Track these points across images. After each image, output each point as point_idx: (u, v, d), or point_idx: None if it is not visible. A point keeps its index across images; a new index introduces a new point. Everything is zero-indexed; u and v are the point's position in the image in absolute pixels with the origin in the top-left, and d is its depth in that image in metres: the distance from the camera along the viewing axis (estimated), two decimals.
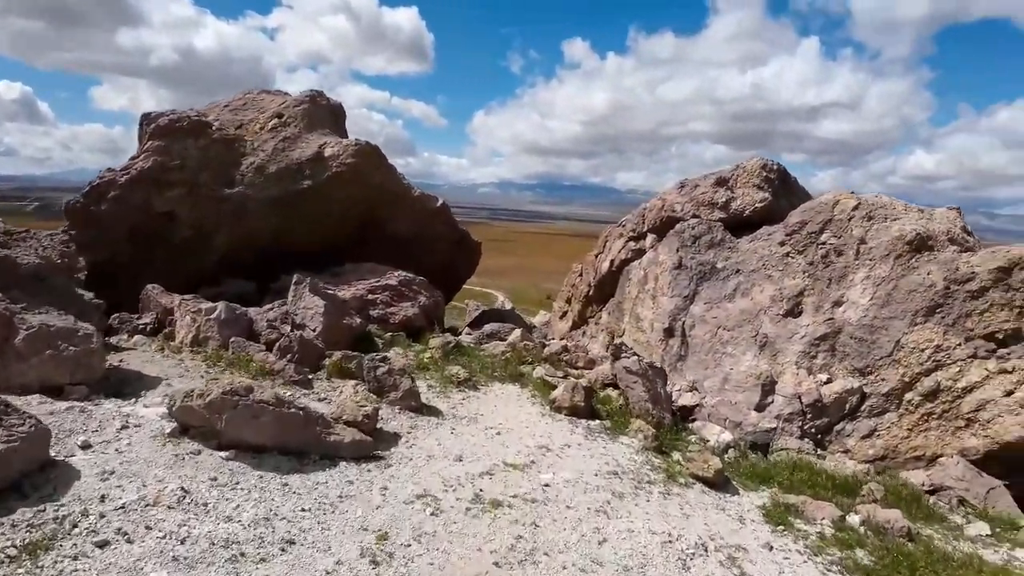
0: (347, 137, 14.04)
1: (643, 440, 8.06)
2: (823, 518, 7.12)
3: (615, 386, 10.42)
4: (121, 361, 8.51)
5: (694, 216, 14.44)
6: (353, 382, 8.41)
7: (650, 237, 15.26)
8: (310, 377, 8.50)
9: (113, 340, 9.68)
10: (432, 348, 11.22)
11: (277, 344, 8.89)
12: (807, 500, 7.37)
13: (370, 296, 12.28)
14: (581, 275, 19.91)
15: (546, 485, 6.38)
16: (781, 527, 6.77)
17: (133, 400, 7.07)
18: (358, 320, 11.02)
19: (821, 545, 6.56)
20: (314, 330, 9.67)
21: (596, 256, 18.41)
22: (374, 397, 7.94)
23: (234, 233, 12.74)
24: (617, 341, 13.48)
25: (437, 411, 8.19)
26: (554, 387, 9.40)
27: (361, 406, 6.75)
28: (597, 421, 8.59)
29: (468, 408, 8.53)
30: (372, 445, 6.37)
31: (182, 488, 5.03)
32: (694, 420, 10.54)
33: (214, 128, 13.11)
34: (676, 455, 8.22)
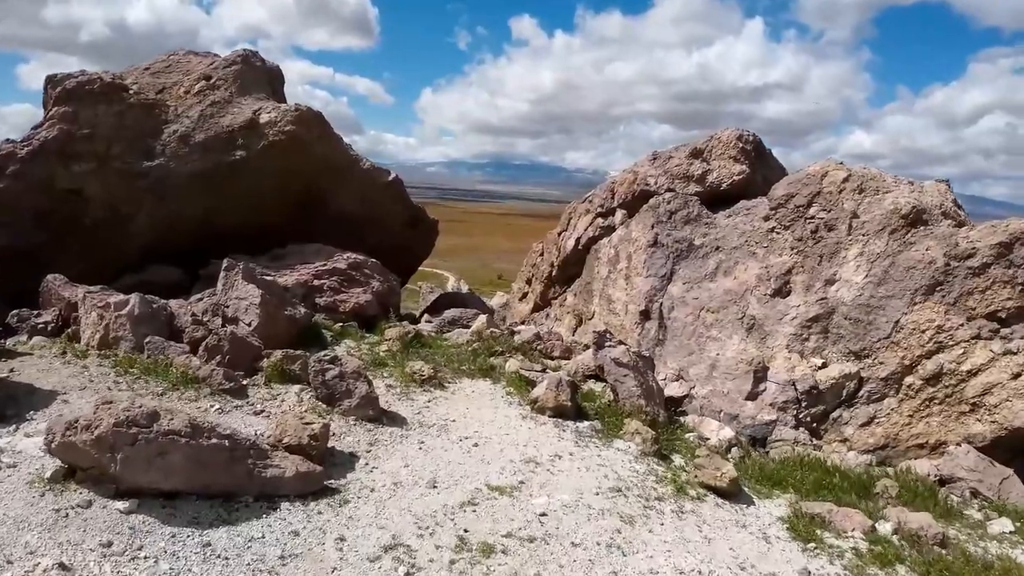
0: (286, 103, 12.32)
1: (641, 444, 6.88)
2: (853, 529, 6.11)
3: (597, 377, 9.22)
4: (11, 371, 6.83)
5: (669, 190, 13.28)
6: (298, 387, 6.95)
7: (620, 213, 14.06)
8: (244, 383, 7.00)
9: (9, 342, 7.94)
10: (389, 340, 9.79)
11: (204, 343, 7.33)
12: (832, 508, 6.34)
13: (316, 282, 10.73)
14: (543, 254, 18.65)
15: (542, 514, 5.11)
16: (812, 544, 5.71)
17: (14, 426, 5.47)
18: (302, 310, 9.49)
19: (860, 564, 5.54)
20: (249, 324, 8.12)
21: (559, 234, 17.16)
22: (323, 407, 6.50)
23: (156, 214, 10.94)
24: (598, 328, 12.30)
25: (400, 419, 6.81)
26: (531, 382, 8.13)
27: (307, 424, 5.32)
28: (586, 422, 7.36)
29: (436, 412, 7.18)
30: (322, 475, 4.97)
31: (61, 565, 3.55)
32: (683, 413, 9.45)
33: (131, 92, 11.21)
34: (677, 459, 7.08)
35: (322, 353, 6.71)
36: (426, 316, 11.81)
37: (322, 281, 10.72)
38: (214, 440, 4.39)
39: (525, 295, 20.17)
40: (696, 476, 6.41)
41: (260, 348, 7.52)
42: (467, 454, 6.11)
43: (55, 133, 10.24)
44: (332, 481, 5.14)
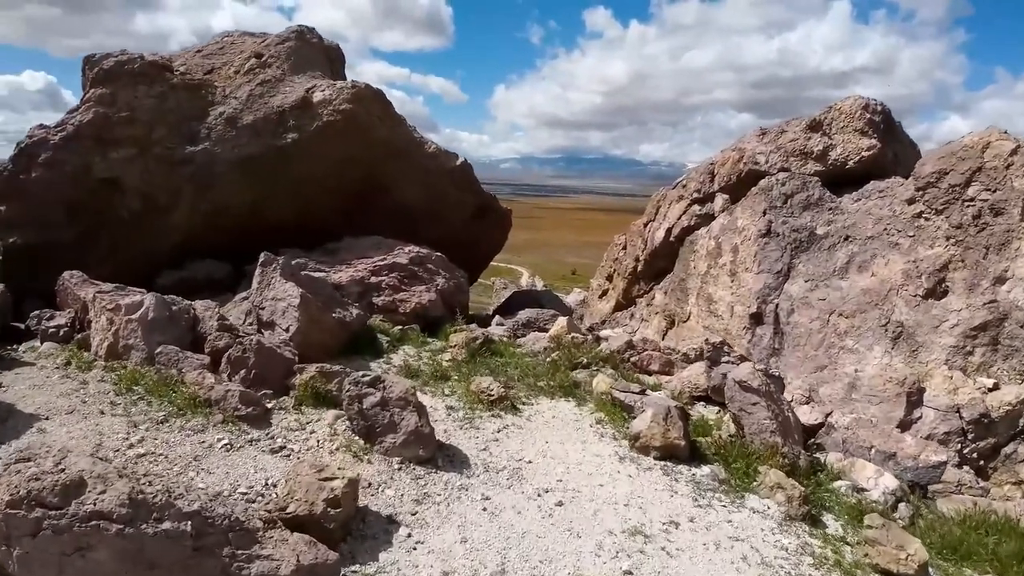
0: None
1: (785, 504, 4.93)
2: None
3: (708, 399, 7.29)
4: (0, 386, 5.58)
5: (783, 169, 11.08)
6: (334, 413, 5.37)
7: (721, 198, 11.95)
8: (268, 407, 5.48)
9: (22, 348, 6.78)
10: (454, 346, 8.16)
11: (226, 354, 5.87)
12: None
13: (373, 279, 9.23)
14: (625, 248, 16.68)
15: None
16: None
17: None
18: (355, 312, 7.97)
19: None
20: (286, 330, 6.64)
21: (645, 225, 15.15)
22: (360, 444, 4.89)
23: (199, 205, 9.71)
24: (694, 331, 10.34)
25: (460, 459, 5.12)
26: (627, 407, 6.29)
27: (326, 480, 3.70)
28: (704, 468, 5.46)
29: (508, 448, 5.46)
30: (336, 566, 3.31)
31: None
32: (820, 447, 7.39)
33: (174, 72, 10.03)
34: (832, 523, 5.09)
35: (359, 374, 5.09)
36: (497, 317, 10.15)
37: (380, 278, 9.22)
38: (168, 524, 2.82)
39: (605, 292, 18.22)
40: (869, 557, 4.43)
41: (293, 361, 6.00)
42: (548, 519, 4.34)
43: (91, 117, 9.14)
44: (354, 570, 3.49)
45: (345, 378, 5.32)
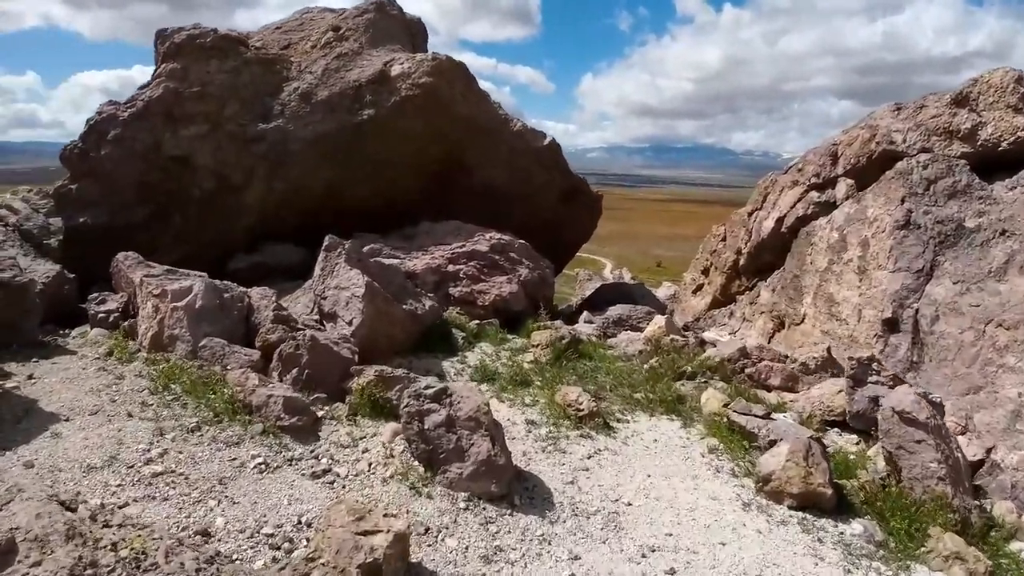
0: None
1: None
2: None
3: (842, 425, 5.93)
4: (30, 377, 4.99)
5: (923, 150, 9.37)
6: (392, 428, 4.43)
7: (845, 184, 10.32)
8: (320, 414, 4.61)
9: (74, 332, 6.27)
10: (537, 346, 7.14)
11: (277, 350, 5.06)
12: None
13: (450, 267, 8.31)
14: (725, 239, 15.10)
15: None
16: None
17: None
18: (428, 304, 7.07)
19: None
20: (349, 323, 5.79)
21: (750, 214, 13.57)
22: (420, 472, 3.92)
23: (272, 185, 9.08)
24: (808, 336, 8.91)
25: (543, 495, 4.06)
26: (748, 434, 5.05)
27: (365, 536, 2.74)
28: (855, 524, 4.17)
29: (601, 482, 4.36)
30: None
31: None
32: (982, 492, 5.87)
33: (249, 47, 9.43)
34: None
35: (422, 383, 4.10)
36: (585, 314, 9.01)
37: (458, 267, 8.30)
38: None
39: (700, 288, 16.68)
40: None
41: (351, 360, 5.12)
42: None
43: (161, 92, 8.64)
44: None
45: (407, 386, 4.37)
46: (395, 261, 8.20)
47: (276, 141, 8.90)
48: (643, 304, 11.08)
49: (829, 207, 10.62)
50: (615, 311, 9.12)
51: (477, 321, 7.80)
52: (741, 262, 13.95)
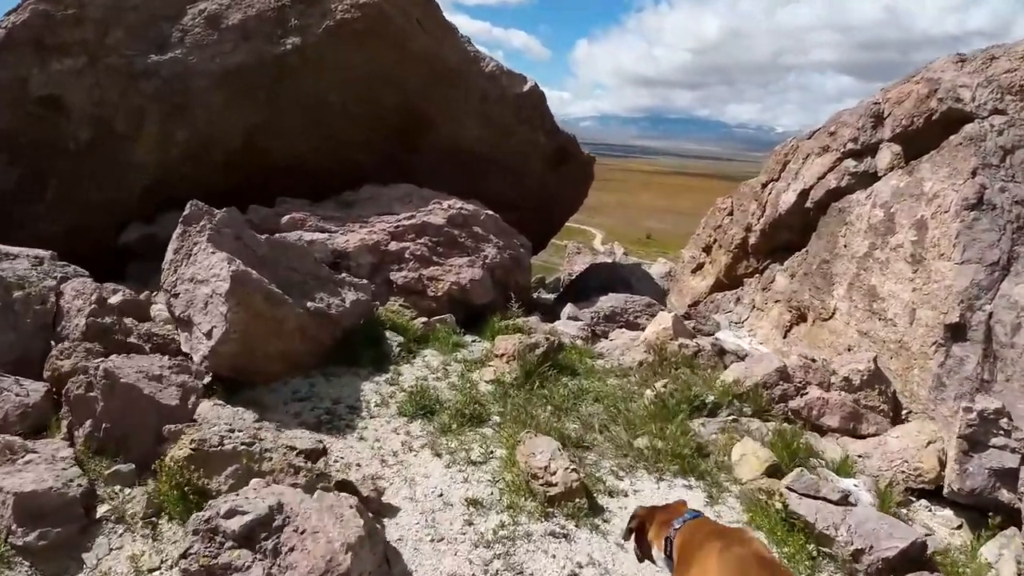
0: None
1: None
2: None
3: (929, 494, 3.99)
4: None
5: (996, 112, 7.36)
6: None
7: (889, 151, 8.31)
8: (101, 512, 2.56)
9: None
10: (502, 357, 5.13)
11: (65, 390, 3.01)
12: None
13: (393, 245, 6.23)
14: (732, 214, 13.04)
15: None
16: None
17: None
18: (349, 299, 5.01)
19: None
20: (208, 333, 3.72)
21: (764, 186, 11.52)
22: None
23: (172, 134, 6.90)
24: (840, 334, 7.05)
25: None
26: (816, 531, 3.11)
27: None
28: None
29: None
30: None
31: None
32: None
33: None
34: None
35: (225, 507, 2.06)
36: (569, 307, 6.95)
37: (403, 244, 6.22)
38: None
39: (700, 267, 14.66)
40: None
41: (183, 408, 3.08)
42: None
43: (28, 16, 6.41)
44: None
45: (225, 488, 2.31)
46: (319, 237, 6.13)
47: (172, 77, 6.69)
48: (639, 289, 9.08)
49: (869, 179, 8.58)
50: (607, 302, 7.12)
51: (424, 320, 5.75)
52: (751, 240, 11.91)
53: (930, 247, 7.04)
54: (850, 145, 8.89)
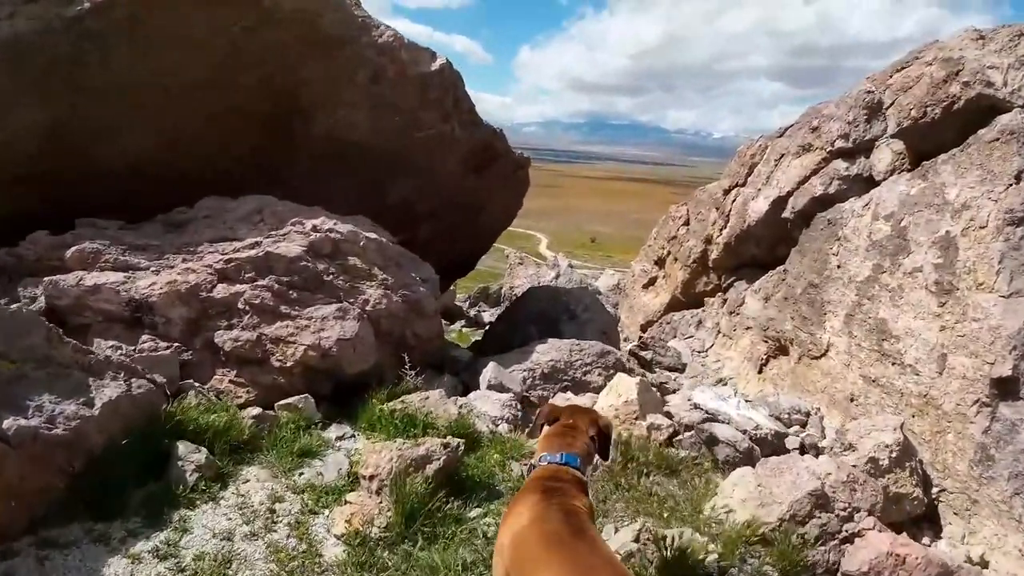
0: None
1: None
2: None
3: None
4: None
5: None
6: None
7: (888, 149, 6.64)
8: None
9: None
10: (372, 480, 3.00)
11: None
12: None
13: (220, 289, 4.02)
14: (688, 223, 11.31)
15: None
16: None
17: None
18: (114, 393, 2.82)
19: None
20: None
21: (727, 192, 9.80)
22: None
23: None
24: (870, 395, 5.30)
25: None
26: None
27: None
28: None
29: None
30: None
31: None
32: None
33: None
34: None
35: None
36: (492, 369, 4.74)
37: (236, 288, 4.01)
38: None
39: (653, 281, 12.85)
40: None
41: None
42: None
43: None
44: None
45: None
46: (113, 280, 3.89)
47: None
48: (587, 323, 7.07)
49: (864, 184, 6.85)
50: (546, 354, 5.07)
51: (256, 411, 3.56)
52: (713, 254, 10.15)
53: (963, 273, 5.25)
54: (839, 143, 7.15)
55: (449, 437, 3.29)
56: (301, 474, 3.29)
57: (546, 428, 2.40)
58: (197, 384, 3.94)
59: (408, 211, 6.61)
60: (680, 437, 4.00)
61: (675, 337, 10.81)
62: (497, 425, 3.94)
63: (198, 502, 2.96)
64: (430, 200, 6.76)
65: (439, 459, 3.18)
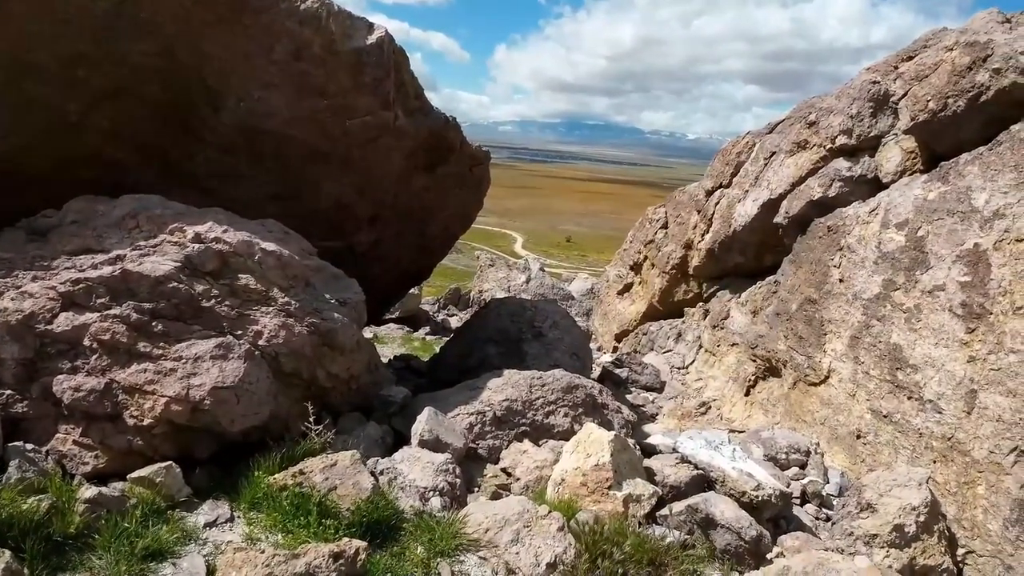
0: None
1: None
2: None
3: None
4: None
5: None
6: None
7: (898, 147, 5.73)
8: None
9: None
10: None
11: None
12: None
13: (61, 321, 3.00)
14: (666, 227, 10.45)
15: None
16: None
17: None
18: None
19: None
20: None
21: (709, 193, 8.95)
22: None
23: None
24: (881, 433, 4.39)
25: None
26: None
27: None
28: None
29: None
30: None
31: None
32: None
33: None
34: None
35: None
36: (427, 415, 3.78)
37: (82, 318, 3.00)
38: None
39: (628, 288, 11.97)
40: None
41: None
42: None
43: None
44: None
45: None
46: None
47: None
48: (556, 344, 6.12)
49: (869, 186, 5.94)
50: (499, 391, 4.11)
51: (96, 491, 2.54)
52: (693, 261, 9.29)
53: (997, 295, 4.40)
54: (841, 139, 6.27)
55: (346, 540, 2.31)
56: None
57: None
58: (30, 447, 2.93)
59: (345, 215, 5.61)
60: (665, 511, 3.09)
61: (652, 350, 9.95)
62: (427, 501, 2.98)
63: None
64: (371, 202, 5.76)
65: (347, 558, 2.20)
